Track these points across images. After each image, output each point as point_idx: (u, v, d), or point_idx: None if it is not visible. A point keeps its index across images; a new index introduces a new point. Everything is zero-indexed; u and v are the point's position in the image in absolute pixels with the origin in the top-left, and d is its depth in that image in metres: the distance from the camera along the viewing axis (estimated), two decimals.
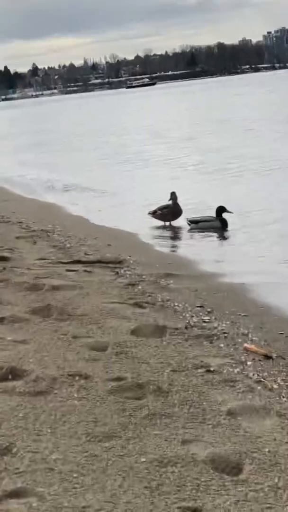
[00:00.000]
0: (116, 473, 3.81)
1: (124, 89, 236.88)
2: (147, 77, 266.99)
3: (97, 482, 3.71)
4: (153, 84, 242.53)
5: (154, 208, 14.25)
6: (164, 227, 14.01)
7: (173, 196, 14.07)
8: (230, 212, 13.34)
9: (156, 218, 14.17)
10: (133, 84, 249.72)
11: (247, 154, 23.57)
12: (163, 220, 14.20)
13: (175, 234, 13.43)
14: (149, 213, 14.29)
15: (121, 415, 4.56)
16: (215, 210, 13.37)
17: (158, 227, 13.97)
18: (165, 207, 14.09)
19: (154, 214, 14.20)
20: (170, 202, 14.02)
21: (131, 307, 7.42)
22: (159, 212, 14.11)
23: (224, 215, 13.25)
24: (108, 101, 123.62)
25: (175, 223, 14.09)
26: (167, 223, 14.16)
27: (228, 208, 13.31)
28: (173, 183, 17.86)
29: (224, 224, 13.18)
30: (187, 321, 7.05)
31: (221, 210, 13.33)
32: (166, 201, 14.10)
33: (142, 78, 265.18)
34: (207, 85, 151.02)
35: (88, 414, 4.55)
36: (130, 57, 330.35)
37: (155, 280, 8.84)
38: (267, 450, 4.15)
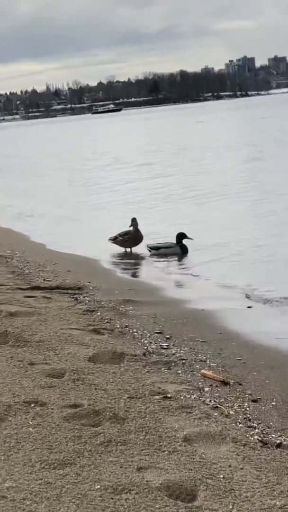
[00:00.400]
0: (70, 500, 3.78)
1: (90, 115, 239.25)
2: (112, 103, 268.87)
3: (51, 509, 3.68)
4: (119, 110, 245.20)
5: (114, 234, 14.24)
6: (124, 254, 14.01)
7: (134, 222, 14.09)
8: (190, 239, 13.42)
9: (116, 244, 14.16)
10: (99, 110, 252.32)
11: (204, 180, 23.93)
12: (124, 246, 14.20)
13: (135, 260, 13.43)
14: (110, 239, 14.27)
15: (77, 442, 4.53)
16: (175, 236, 13.44)
17: (118, 253, 13.97)
18: (126, 233, 14.09)
19: (114, 240, 14.18)
20: (131, 228, 14.03)
21: (90, 334, 7.41)
22: (120, 238, 14.10)
23: (185, 241, 13.33)
24: (72, 126, 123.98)
25: (135, 249, 14.10)
26: (128, 249, 14.16)
27: (188, 234, 13.39)
28: (133, 208, 17.94)
29: (184, 250, 13.25)
30: (146, 348, 7.06)
31: (181, 236, 13.41)
32: (126, 227, 14.11)
33: (108, 104, 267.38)
34: (170, 112, 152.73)
35: (43, 442, 4.51)
36: (93, 83, 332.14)
37: (114, 307, 8.84)
38: (221, 476, 4.16)
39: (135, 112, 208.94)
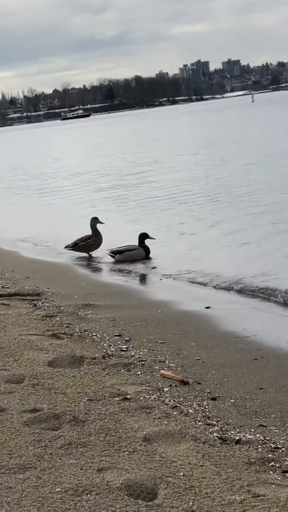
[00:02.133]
0: (31, 504, 3.79)
1: (59, 121, 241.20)
2: (81, 109, 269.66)
3: None
4: (87, 115, 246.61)
5: (73, 241, 14.18)
6: (85, 258, 13.93)
7: (96, 221, 14.03)
8: (153, 238, 13.43)
9: (77, 251, 14.05)
10: (68, 116, 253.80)
11: (157, 183, 24.15)
12: (86, 252, 14.10)
13: (95, 264, 13.42)
14: (68, 248, 14.16)
15: (37, 446, 4.54)
16: (137, 237, 13.44)
17: (77, 258, 13.93)
18: (88, 237, 13.98)
19: (74, 247, 14.06)
20: (90, 233, 13.98)
21: (49, 339, 7.40)
22: (82, 243, 13.98)
23: (147, 241, 13.32)
24: (37, 134, 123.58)
25: (95, 253, 14.06)
26: (88, 254, 14.08)
27: (150, 234, 13.42)
28: (88, 214, 17.99)
29: (147, 252, 13.24)
30: (105, 351, 7.08)
31: (143, 237, 13.38)
32: (81, 233, 14.04)
33: (77, 110, 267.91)
34: (136, 116, 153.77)
35: (3, 447, 4.51)
36: (49, 91, 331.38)
37: (73, 311, 8.84)
38: (181, 474, 4.19)
39: (104, 117, 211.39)
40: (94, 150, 50.38)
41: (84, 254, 14.08)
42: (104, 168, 34.28)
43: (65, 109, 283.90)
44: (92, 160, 41.11)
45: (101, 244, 13.99)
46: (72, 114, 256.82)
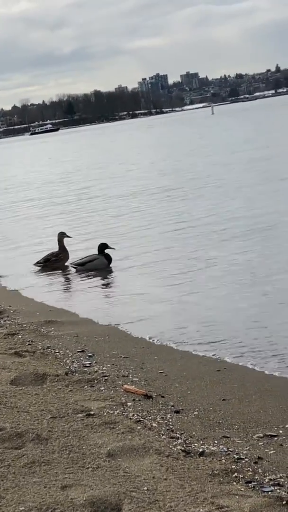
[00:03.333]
0: None
1: (28, 136, 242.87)
2: (50, 124, 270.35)
3: None
4: (56, 130, 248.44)
5: (40, 257, 14.10)
6: (48, 273, 13.77)
7: (63, 236, 14.02)
8: (113, 248, 13.44)
9: (49, 267, 13.91)
10: (37, 131, 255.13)
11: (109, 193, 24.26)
12: (58, 266, 13.95)
13: (56, 279, 13.32)
14: (38, 264, 14.04)
15: (0, 466, 4.50)
16: (97, 247, 13.48)
17: (39, 274, 13.84)
18: (58, 253, 13.89)
19: (45, 263, 13.91)
20: (57, 247, 13.95)
21: (11, 357, 7.36)
22: (54, 258, 13.87)
23: (107, 251, 13.35)
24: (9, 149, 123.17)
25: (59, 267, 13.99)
26: (62, 269, 13.97)
27: (109, 244, 13.45)
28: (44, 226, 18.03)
29: (109, 260, 13.24)
30: (68, 367, 7.07)
31: (103, 246, 13.39)
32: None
33: (46, 125, 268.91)
34: (100, 130, 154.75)
35: None
36: (8, 107, 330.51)
37: (35, 328, 8.82)
38: (145, 488, 4.19)
39: (72, 131, 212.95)
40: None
41: (54, 269, 13.87)
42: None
43: (33, 124, 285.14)
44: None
45: (68, 258, 13.98)
46: (41, 129, 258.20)
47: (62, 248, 14.02)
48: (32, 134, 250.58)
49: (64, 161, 53.93)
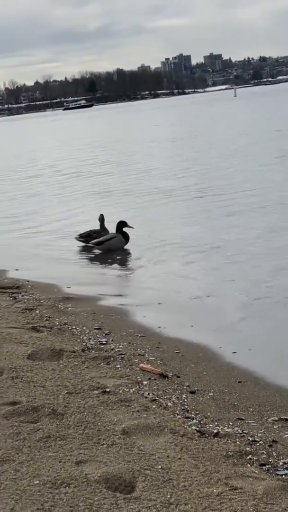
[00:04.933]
0: (9, 496, 3.78)
1: (61, 111, 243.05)
2: (84, 99, 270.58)
3: None
4: (90, 106, 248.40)
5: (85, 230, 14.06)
6: (67, 250, 13.73)
7: (103, 217, 14.00)
8: (131, 227, 13.38)
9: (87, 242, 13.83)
10: (70, 106, 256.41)
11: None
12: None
13: (74, 256, 13.33)
14: (80, 237, 13.90)
15: (15, 439, 4.53)
16: (100, 221, 13.50)
17: (58, 250, 13.84)
18: (99, 231, 13.69)
19: (87, 238, 13.70)
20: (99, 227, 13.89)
21: (28, 332, 7.39)
22: (95, 235, 13.62)
23: (125, 229, 13.30)
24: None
25: (75, 244, 13.95)
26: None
27: (128, 223, 13.39)
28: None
29: (126, 239, 13.19)
30: (84, 344, 7.08)
31: (121, 224, 13.34)
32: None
33: (79, 100, 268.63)
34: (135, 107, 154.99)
35: None
36: (30, 83, 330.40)
37: (53, 304, 8.84)
38: (160, 467, 4.20)
39: (106, 107, 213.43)
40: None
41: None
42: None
43: (67, 99, 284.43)
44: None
45: None
46: (75, 104, 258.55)
47: (103, 227, 14.01)
48: (65, 109, 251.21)
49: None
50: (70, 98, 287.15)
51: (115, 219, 13.85)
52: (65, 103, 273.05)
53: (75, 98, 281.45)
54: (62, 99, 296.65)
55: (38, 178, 28.58)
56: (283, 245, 11.70)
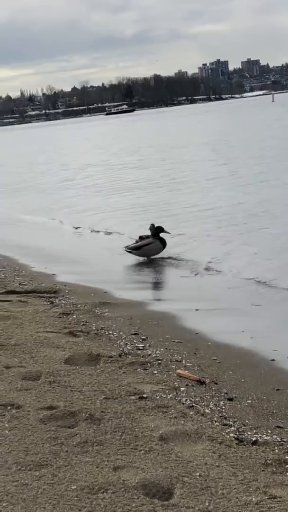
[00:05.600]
0: (47, 501, 3.79)
1: (103, 116, 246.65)
2: (125, 104, 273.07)
3: (27, 510, 3.68)
4: (132, 111, 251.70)
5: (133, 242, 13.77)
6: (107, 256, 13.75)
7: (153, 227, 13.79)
8: (168, 233, 13.32)
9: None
10: (112, 111, 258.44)
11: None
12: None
13: (110, 261, 13.33)
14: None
15: (53, 444, 4.54)
16: (151, 230, 13.37)
17: (93, 255, 13.87)
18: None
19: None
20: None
21: (65, 336, 7.40)
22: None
23: (162, 235, 13.23)
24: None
25: (110, 248, 13.94)
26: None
27: (165, 228, 13.31)
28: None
29: (164, 244, 13.12)
30: (121, 349, 7.07)
31: (158, 230, 13.27)
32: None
33: (121, 105, 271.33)
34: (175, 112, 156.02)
35: (19, 444, 4.51)
36: (67, 88, 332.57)
37: (90, 309, 8.84)
38: (198, 474, 4.17)
39: (145, 112, 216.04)
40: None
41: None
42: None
43: (109, 104, 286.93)
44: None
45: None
46: (117, 109, 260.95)
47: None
48: (107, 114, 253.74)
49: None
50: (109, 104, 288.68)
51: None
52: (107, 108, 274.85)
53: (114, 104, 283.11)
54: (100, 105, 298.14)
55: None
56: None
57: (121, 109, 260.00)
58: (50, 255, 13.90)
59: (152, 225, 13.69)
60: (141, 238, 13.62)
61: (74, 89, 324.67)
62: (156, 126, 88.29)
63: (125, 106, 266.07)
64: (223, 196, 19.77)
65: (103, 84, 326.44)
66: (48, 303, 9.14)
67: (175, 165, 30.96)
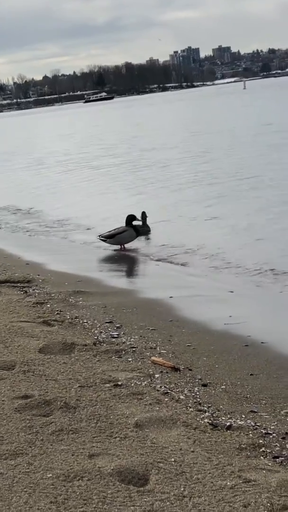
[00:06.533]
0: (22, 489, 3.79)
1: (82, 103, 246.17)
2: (105, 91, 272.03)
3: (2, 499, 3.68)
4: (111, 98, 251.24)
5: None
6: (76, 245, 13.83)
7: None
8: (140, 221, 13.41)
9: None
10: (91, 99, 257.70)
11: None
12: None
13: (84, 250, 13.33)
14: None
15: (28, 432, 4.54)
16: (142, 218, 13.61)
17: (67, 244, 13.89)
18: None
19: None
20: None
21: (40, 326, 7.39)
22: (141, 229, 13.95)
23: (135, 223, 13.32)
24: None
25: (84, 238, 14.01)
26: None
27: (137, 216, 13.42)
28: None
29: (137, 232, 13.20)
30: (96, 337, 7.08)
31: (131, 218, 13.35)
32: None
33: (100, 92, 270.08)
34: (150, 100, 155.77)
35: None
36: (40, 77, 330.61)
37: (64, 298, 8.83)
38: (173, 460, 4.20)
39: (127, 99, 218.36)
40: None
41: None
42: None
43: (88, 92, 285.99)
44: None
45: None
46: (95, 97, 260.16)
47: (145, 224, 14.21)
48: (86, 101, 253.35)
49: None
50: (88, 91, 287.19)
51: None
52: (85, 96, 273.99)
53: (93, 91, 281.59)
54: (71, 93, 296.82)
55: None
56: None
57: (100, 96, 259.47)
58: (24, 245, 13.87)
59: (143, 212, 13.87)
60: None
61: (45, 77, 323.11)
62: (129, 113, 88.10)
63: (104, 94, 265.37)
64: (193, 179, 19.82)
65: (74, 72, 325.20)
66: (22, 292, 9.12)
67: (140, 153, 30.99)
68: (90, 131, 56.44)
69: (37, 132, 61.34)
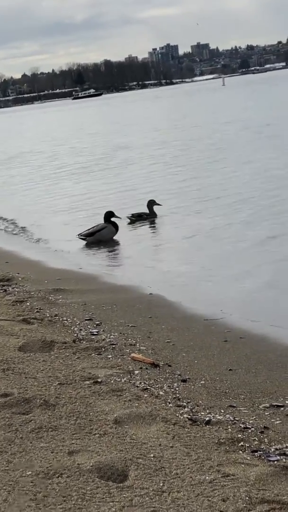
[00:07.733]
0: (1, 487, 3.79)
1: (70, 100, 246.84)
2: (93, 88, 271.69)
3: None
4: (100, 94, 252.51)
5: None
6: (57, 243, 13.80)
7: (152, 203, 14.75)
8: (119, 217, 13.44)
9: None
10: (80, 95, 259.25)
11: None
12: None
13: (64, 248, 13.31)
14: (132, 216, 14.62)
15: (7, 430, 4.53)
16: (148, 207, 14.22)
17: (47, 243, 13.87)
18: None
19: (138, 218, 14.64)
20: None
21: (19, 324, 7.39)
22: (145, 216, 14.73)
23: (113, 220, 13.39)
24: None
25: (62, 237, 14.06)
26: None
27: (116, 213, 13.47)
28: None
29: (116, 229, 13.24)
30: (76, 335, 7.08)
31: (109, 215, 13.39)
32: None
33: (88, 89, 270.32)
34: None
35: None
36: (17, 76, 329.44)
37: (43, 296, 8.83)
38: (152, 455, 4.21)
39: (115, 96, 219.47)
40: None
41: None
42: None
43: (76, 88, 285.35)
44: None
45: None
46: (84, 93, 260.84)
47: (152, 212, 14.83)
48: (74, 98, 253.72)
49: None
50: (75, 88, 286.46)
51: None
52: (74, 93, 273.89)
53: (81, 87, 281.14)
54: (50, 91, 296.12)
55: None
56: None
57: (88, 93, 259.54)
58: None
59: (150, 201, 14.28)
60: (132, 215, 14.64)
61: (24, 76, 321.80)
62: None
63: (92, 90, 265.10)
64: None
65: (53, 70, 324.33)
66: (1, 291, 9.10)
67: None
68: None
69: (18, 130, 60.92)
